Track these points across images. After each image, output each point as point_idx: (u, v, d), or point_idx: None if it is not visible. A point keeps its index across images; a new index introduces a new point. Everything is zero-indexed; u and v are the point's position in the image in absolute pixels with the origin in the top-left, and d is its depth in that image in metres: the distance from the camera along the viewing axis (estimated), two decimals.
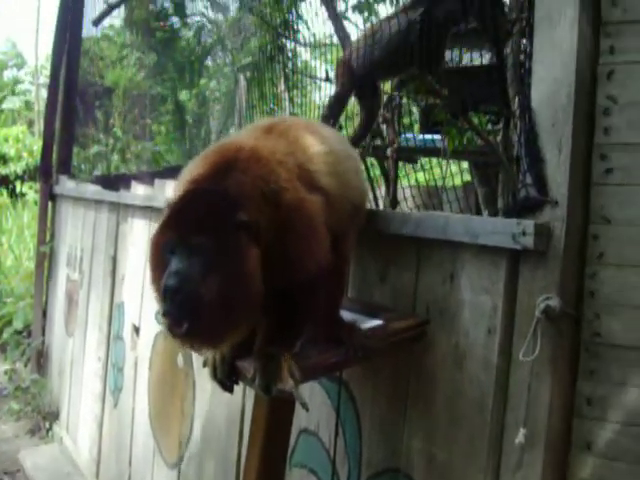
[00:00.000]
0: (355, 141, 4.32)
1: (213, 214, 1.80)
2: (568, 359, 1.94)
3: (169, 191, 4.05)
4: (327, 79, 5.33)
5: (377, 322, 2.27)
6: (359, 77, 4.07)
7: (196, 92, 11.08)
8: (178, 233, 1.79)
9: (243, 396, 3.23)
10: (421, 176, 7.31)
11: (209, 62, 11.66)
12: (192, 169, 2.00)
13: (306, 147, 2.11)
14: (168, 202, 1.92)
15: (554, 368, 1.91)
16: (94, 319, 5.06)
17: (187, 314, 1.73)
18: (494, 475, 2.03)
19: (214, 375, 2.17)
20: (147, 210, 4.28)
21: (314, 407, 2.68)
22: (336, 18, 6.50)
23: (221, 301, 1.74)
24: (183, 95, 11.09)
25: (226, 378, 2.16)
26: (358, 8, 9.37)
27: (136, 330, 4.34)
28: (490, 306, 2.07)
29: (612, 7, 1.85)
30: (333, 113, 4.25)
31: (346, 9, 9.05)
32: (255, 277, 1.80)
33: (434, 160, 7.23)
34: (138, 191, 4.51)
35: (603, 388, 1.89)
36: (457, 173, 7.47)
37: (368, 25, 5.29)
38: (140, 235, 4.36)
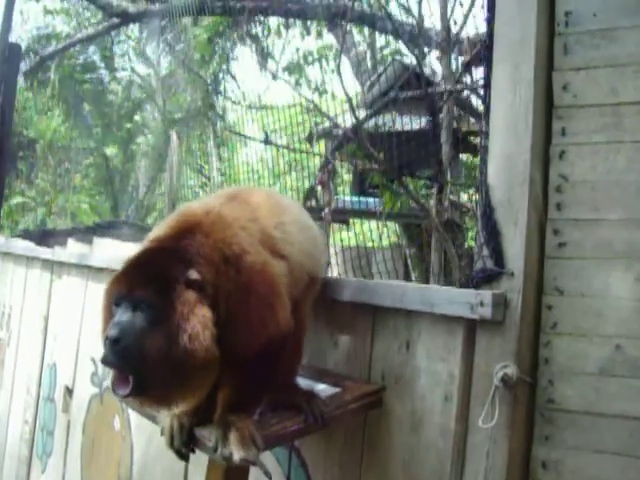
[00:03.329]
0: None
1: (164, 271, 1.83)
2: (524, 424, 2.00)
3: (107, 250, 4.01)
4: (267, 141, 5.39)
5: (334, 389, 2.29)
6: None
7: (124, 146, 11.01)
8: (125, 286, 1.82)
9: (186, 463, 3.16)
10: (351, 237, 7.45)
11: (137, 117, 11.64)
12: (157, 229, 2.04)
13: (269, 215, 2.15)
14: (126, 258, 1.93)
15: (511, 433, 1.96)
16: (22, 380, 4.88)
17: (125, 365, 1.75)
18: None
19: (171, 443, 2.14)
20: (83, 268, 4.20)
21: (262, 474, 2.65)
22: None
23: (165, 359, 1.75)
24: (110, 149, 11.02)
25: (183, 446, 2.13)
26: (289, 69, 9.62)
27: (69, 392, 4.21)
28: (447, 373, 2.12)
29: (563, 92, 1.98)
30: None
31: (277, 70, 9.27)
32: (202, 337, 1.78)
33: (364, 221, 7.40)
34: (74, 249, 4.43)
35: (557, 452, 1.96)
36: (383, 234, 7.64)
37: None
38: (75, 294, 4.27)
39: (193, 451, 2.16)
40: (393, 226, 7.42)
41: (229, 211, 2.07)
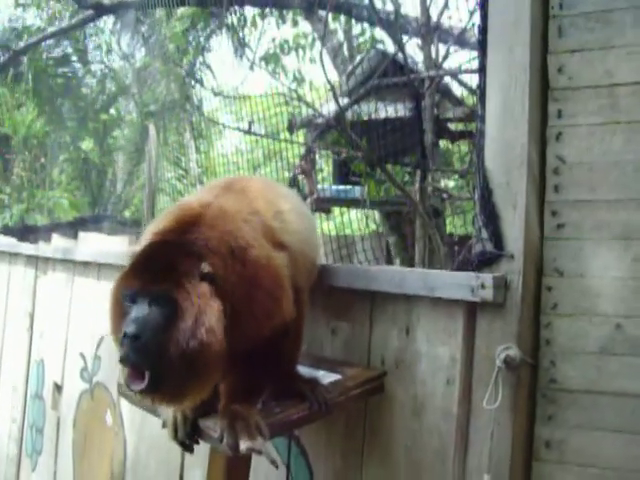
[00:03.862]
0: None
1: (176, 264, 1.80)
2: (526, 405, 2.02)
3: (93, 244, 3.98)
4: (249, 131, 5.37)
5: (335, 376, 2.29)
6: None
7: (100, 140, 10.90)
8: (139, 281, 1.78)
9: (182, 454, 3.16)
10: (332, 226, 7.46)
11: (113, 110, 11.53)
12: (157, 223, 2.00)
13: (267, 205, 2.15)
14: (131, 253, 1.90)
15: (514, 415, 1.99)
16: (8, 378, 4.83)
17: (146, 362, 1.72)
18: None
19: (174, 435, 2.13)
20: (69, 263, 4.17)
21: (261, 463, 2.65)
22: None
23: (182, 354, 1.73)
24: (86, 143, 10.91)
25: (187, 438, 2.13)
26: (265, 59, 9.56)
27: (58, 388, 4.18)
28: (448, 357, 2.13)
29: (558, 74, 1.99)
30: None
31: (253, 60, 9.22)
32: (217, 330, 1.78)
33: (345, 210, 7.39)
34: (59, 244, 4.39)
35: (560, 432, 1.98)
36: (365, 222, 7.65)
37: None
38: (61, 289, 4.23)
39: (197, 442, 2.16)
40: (373, 214, 7.43)
41: (229, 203, 2.05)
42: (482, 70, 2.06)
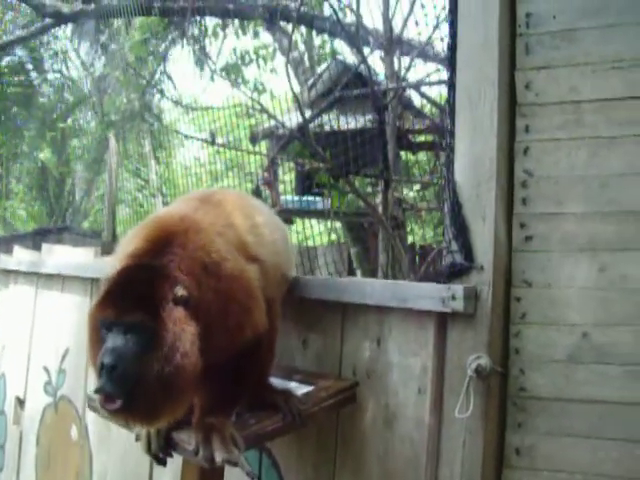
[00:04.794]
0: None
1: (151, 291, 1.80)
2: (497, 413, 2.06)
3: (57, 256, 3.93)
4: (212, 142, 5.36)
5: (308, 387, 2.31)
6: None
7: (58, 150, 10.75)
8: (115, 310, 1.79)
9: (150, 468, 3.15)
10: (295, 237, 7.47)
11: (70, 120, 11.37)
12: (130, 242, 1.99)
13: (242, 219, 2.16)
14: (106, 277, 1.90)
15: (485, 423, 2.03)
16: None
17: (122, 390, 1.73)
18: None
19: (148, 448, 2.13)
20: (32, 276, 4.12)
21: (232, 476, 2.65)
22: None
23: (157, 380, 1.74)
24: (44, 154, 10.74)
25: (160, 451, 2.12)
26: (226, 70, 9.57)
27: (20, 403, 4.11)
28: (419, 367, 2.17)
29: (526, 90, 2.05)
30: None
31: (214, 70, 9.22)
32: (192, 354, 1.80)
33: (307, 221, 7.42)
34: (22, 256, 4.33)
35: (530, 438, 2.03)
36: (328, 233, 7.69)
37: None
38: (25, 302, 4.17)
39: (170, 455, 2.16)
40: (335, 225, 7.47)
41: (204, 216, 2.06)
42: (451, 86, 2.11)
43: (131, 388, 1.74)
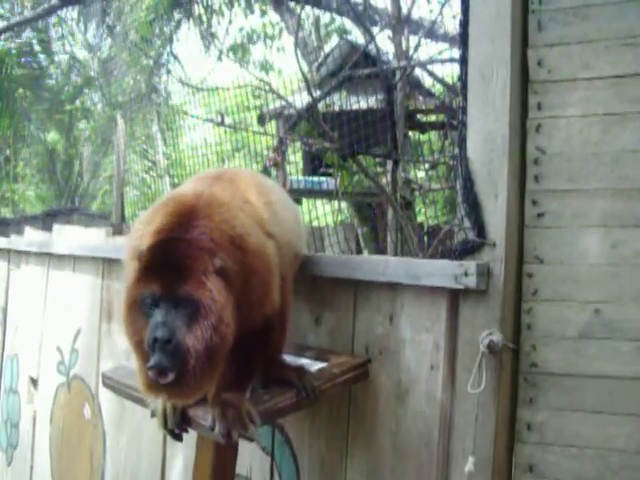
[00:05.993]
0: None
1: (192, 263, 1.81)
2: (509, 389, 2.08)
3: (68, 237, 3.96)
4: (221, 123, 5.36)
5: (320, 364, 2.34)
6: None
7: (66, 132, 10.75)
8: (160, 285, 1.79)
9: (164, 445, 3.18)
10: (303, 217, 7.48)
11: (78, 102, 11.37)
12: (150, 220, 1.98)
13: (256, 196, 2.18)
14: (135, 253, 1.90)
15: (497, 398, 2.05)
16: None
17: (176, 365, 1.75)
18: None
19: (164, 425, 2.16)
20: (44, 256, 4.14)
21: (245, 452, 2.68)
22: None
23: (205, 350, 1.77)
24: (52, 135, 10.75)
25: (176, 427, 2.15)
26: (233, 49, 9.54)
27: (33, 382, 4.16)
28: (432, 343, 2.18)
29: (538, 67, 2.05)
30: None
31: (221, 50, 9.19)
32: (232, 324, 1.83)
33: (316, 202, 7.42)
34: (33, 237, 4.35)
35: (541, 414, 2.05)
36: (337, 213, 7.69)
37: None
38: (36, 283, 4.20)
39: (186, 431, 2.19)
40: (344, 206, 7.47)
41: (222, 192, 2.07)
42: (464, 62, 2.10)
43: (183, 361, 1.76)
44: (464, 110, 2.12)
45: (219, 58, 8.73)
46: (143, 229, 1.97)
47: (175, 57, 9.64)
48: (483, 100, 2.08)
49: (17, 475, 4.26)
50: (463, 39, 2.13)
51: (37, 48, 10.73)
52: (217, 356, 1.82)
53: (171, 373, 1.75)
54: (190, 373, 1.77)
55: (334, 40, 8.47)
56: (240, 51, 9.16)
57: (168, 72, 9.26)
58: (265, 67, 9.37)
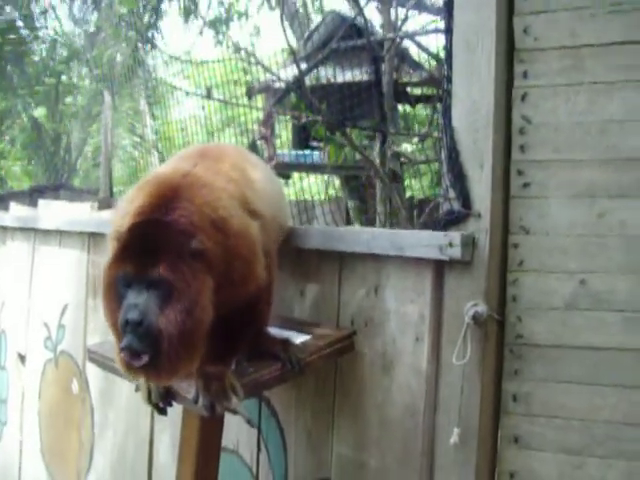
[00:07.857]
0: None
1: (168, 245, 1.80)
2: (494, 360, 2.07)
3: (54, 212, 3.92)
4: (209, 97, 5.31)
5: (306, 336, 2.32)
6: None
7: (52, 107, 10.64)
8: (134, 266, 1.78)
9: (152, 419, 3.18)
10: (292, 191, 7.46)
11: (64, 77, 11.24)
12: (133, 199, 1.96)
13: (241, 173, 2.16)
14: (116, 234, 1.88)
15: (482, 370, 2.04)
16: None
17: (148, 347, 1.74)
18: (428, 476, 2.14)
19: (148, 398, 2.15)
20: (29, 232, 4.11)
21: (232, 426, 2.68)
22: None
23: (179, 333, 1.76)
24: (38, 111, 10.64)
25: (161, 400, 2.14)
26: (213, 24, 9.43)
27: (21, 359, 4.14)
28: (417, 315, 2.17)
29: (524, 35, 2.02)
30: None
31: (204, 24, 9.10)
32: (209, 307, 1.82)
33: (304, 175, 7.39)
34: (18, 212, 4.31)
35: (527, 385, 2.04)
36: (325, 186, 7.67)
37: None
38: (22, 259, 4.17)
39: (170, 404, 2.18)
40: (332, 179, 7.45)
41: (205, 172, 2.05)
42: (449, 31, 2.07)
43: (156, 343, 1.75)
44: (449, 79, 2.09)
45: (200, 33, 8.64)
46: (127, 207, 1.95)
47: (159, 30, 9.55)
48: (468, 69, 2.05)
49: (8, 451, 4.26)
50: (448, 8, 2.10)
51: (20, 24, 10.58)
52: (193, 339, 1.80)
53: (144, 355, 1.74)
54: (164, 356, 1.76)
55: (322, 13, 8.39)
56: (222, 24, 9.06)
57: (154, 45, 9.16)
58: (252, 36, 9.26)
